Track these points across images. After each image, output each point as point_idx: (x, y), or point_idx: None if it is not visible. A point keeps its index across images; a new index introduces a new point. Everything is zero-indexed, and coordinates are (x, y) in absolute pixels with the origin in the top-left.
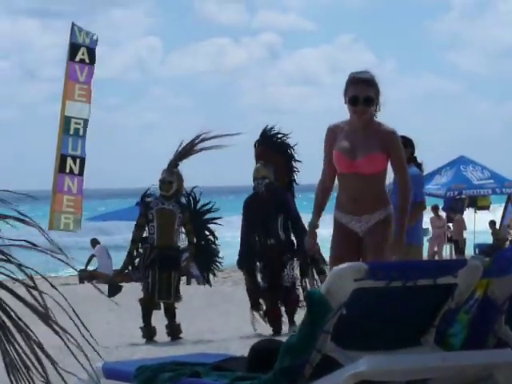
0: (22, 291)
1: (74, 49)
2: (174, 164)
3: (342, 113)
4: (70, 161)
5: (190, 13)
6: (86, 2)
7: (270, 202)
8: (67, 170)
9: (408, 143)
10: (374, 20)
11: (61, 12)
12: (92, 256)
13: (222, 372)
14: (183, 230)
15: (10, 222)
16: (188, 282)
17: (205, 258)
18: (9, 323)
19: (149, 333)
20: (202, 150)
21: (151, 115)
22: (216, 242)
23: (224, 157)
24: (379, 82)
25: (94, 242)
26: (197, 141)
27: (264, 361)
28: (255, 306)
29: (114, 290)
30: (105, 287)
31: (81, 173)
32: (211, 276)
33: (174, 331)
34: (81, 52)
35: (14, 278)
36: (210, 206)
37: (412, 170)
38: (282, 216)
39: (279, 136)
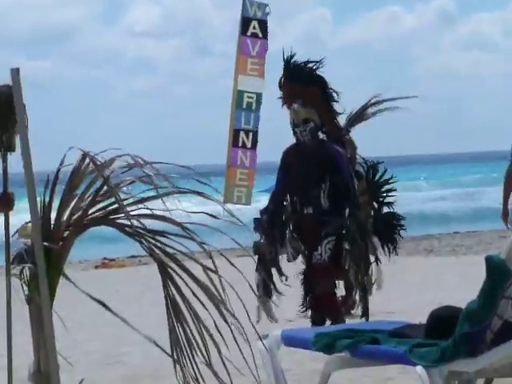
0: (198, 272)
1: (245, 23)
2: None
3: None
4: (242, 135)
5: None
6: None
7: (315, 156)
8: (240, 144)
9: None
10: None
11: None
12: None
13: (401, 339)
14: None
15: (189, 197)
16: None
17: (386, 230)
18: (180, 300)
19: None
20: (374, 114)
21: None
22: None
23: (393, 126)
24: None
25: None
26: (369, 104)
27: (443, 327)
28: (265, 292)
29: None
30: None
31: (253, 146)
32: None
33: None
34: (252, 25)
35: (192, 258)
36: (389, 176)
37: None
38: (328, 177)
39: (310, 66)
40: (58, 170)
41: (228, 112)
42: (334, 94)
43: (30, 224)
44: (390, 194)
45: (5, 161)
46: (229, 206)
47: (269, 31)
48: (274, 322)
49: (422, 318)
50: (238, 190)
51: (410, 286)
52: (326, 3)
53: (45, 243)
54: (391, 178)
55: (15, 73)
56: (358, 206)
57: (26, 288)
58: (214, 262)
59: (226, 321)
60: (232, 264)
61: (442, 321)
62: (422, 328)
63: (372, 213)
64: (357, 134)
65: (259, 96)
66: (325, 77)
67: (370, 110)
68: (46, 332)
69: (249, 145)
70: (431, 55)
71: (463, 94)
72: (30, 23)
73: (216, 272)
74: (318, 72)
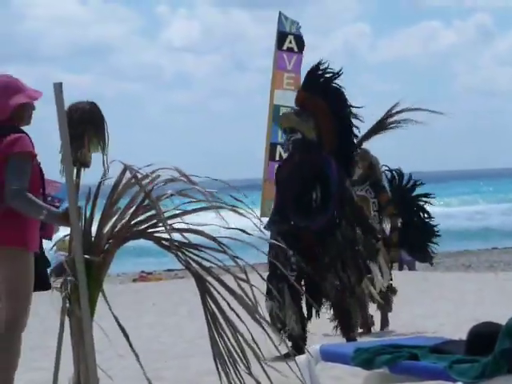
0: (232, 283)
1: (281, 37)
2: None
3: None
4: (279, 149)
5: None
6: None
7: (303, 167)
8: (277, 158)
9: None
10: None
11: (270, 2)
12: None
13: (441, 355)
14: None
15: (225, 212)
16: (400, 268)
17: (419, 238)
18: (218, 313)
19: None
20: (393, 125)
21: (360, 101)
22: (431, 219)
23: (434, 141)
24: None
25: None
26: (389, 115)
27: (483, 344)
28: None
29: None
30: None
31: None
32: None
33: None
34: (288, 40)
35: (226, 270)
36: (414, 180)
37: None
38: (318, 189)
39: (326, 75)
40: (100, 184)
41: (265, 126)
42: (352, 109)
43: (67, 238)
44: (421, 199)
45: (78, 176)
46: (265, 219)
47: (306, 45)
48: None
49: (460, 334)
50: None
51: (448, 302)
52: (365, 18)
53: (86, 256)
54: (417, 181)
55: (58, 87)
56: (348, 220)
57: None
58: (246, 276)
59: (264, 329)
60: (263, 278)
61: (482, 337)
62: (462, 344)
63: (406, 220)
64: (395, 147)
65: None
66: (344, 89)
67: (389, 121)
68: (86, 345)
69: None
70: (470, 71)
71: (504, 109)
72: (71, 38)
73: (248, 282)
74: (335, 83)
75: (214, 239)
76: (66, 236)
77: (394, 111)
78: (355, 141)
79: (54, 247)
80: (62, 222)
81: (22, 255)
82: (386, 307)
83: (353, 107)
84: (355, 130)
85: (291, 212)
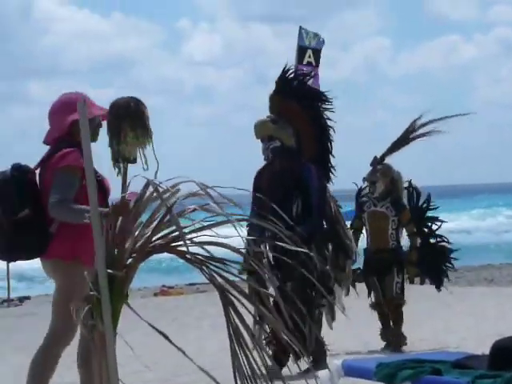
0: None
1: (301, 52)
2: (377, 160)
3: None
4: None
5: (420, 11)
6: (316, 5)
7: (283, 175)
8: None
9: None
10: None
11: (291, 17)
12: None
13: (464, 370)
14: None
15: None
16: (421, 282)
17: (433, 259)
18: (241, 327)
19: (386, 336)
20: (415, 138)
21: (381, 115)
22: (445, 239)
23: (459, 154)
24: None
25: None
26: (410, 129)
27: (506, 358)
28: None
29: None
30: None
31: None
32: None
33: (396, 338)
34: (308, 54)
35: (252, 286)
36: (427, 201)
37: None
38: (299, 198)
39: (300, 78)
40: (123, 198)
41: None
42: (328, 112)
43: None
44: (433, 222)
45: (124, 172)
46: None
47: (327, 59)
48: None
49: (483, 349)
50: None
51: (471, 317)
52: (385, 32)
53: (108, 270)
54: (430, 201)
55: (82, 104)
56: (323, 234)
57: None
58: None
59: (288, 344)
60: (286, 292)
61: (505, 352)
62: (485, 359)
63: (421, 240)
64: (418, 162)
65: None
66: (321, 92)
67: (412, 135)
68: (109, 359)
69: None
70: (492, 84)
71: None
72: (92, 52)
73: (271, 295)
74: (311, 86)
75: (238, 252)
76: None
77: (417, 125)
78: (333, 145)
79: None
80: (109, 219)
81: (75, 268)
82: (397, 325)
83: (326, 110)
84: (332, 134)
85: (270, 222)
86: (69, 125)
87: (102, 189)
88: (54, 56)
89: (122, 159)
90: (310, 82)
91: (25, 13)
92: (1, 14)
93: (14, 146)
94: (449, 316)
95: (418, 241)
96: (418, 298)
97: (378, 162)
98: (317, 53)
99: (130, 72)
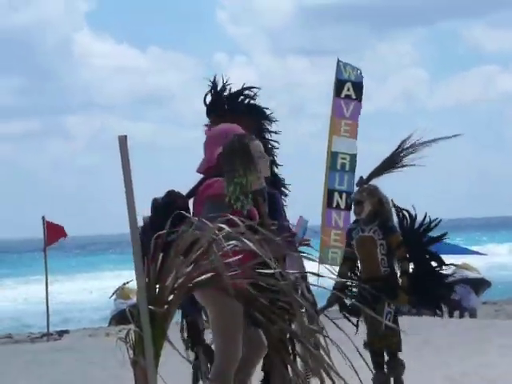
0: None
1: (339, 85)
2: (364, 180)
3: None
4: (336, 196)
5: (457, 42)
6: (352, 38)
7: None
8: (334, 205)
9: None
10: None
11: (327, 50)
12: None
13: None
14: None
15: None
16: (461, 316)
17: (430, 288)
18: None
19: (379, 381)
20: (406, 163)
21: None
22: (443, 266)
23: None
24: None
25: None
26: (398, 150)
27: None
28: None
29: None
30: None
31: (347, 207)
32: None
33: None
34: (346, 87)
35: (298, 321)
36: (428, 221)
37: None
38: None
39: (246, 93)
40: (166, 235)
41: (322, 173)
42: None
43: (127, 285)
44: (434, 242)
45: (256, 205)
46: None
47: (363, 91)
48: None
49: None
50: (333, 251)
51: (511, 351)
52: (421, 63)
53: (150, 307)
54: (432, 224)
55: (123, 140)
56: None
57: (131, 351)
58: (318, 323)
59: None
60: (336, 324)
61: None
62: None
63: (412, 269)
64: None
65: (353, 157)
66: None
67: (400, 157)
68: None
69: (342, 206)
70: None
71: None
72: (129, 87)
73: (321, 332)
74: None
75: (285, 285)
76: (125, 284)
77: (407, 145)
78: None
79: (114, 295)
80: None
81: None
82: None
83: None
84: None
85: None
86: (217, 156)
87: (249, 218)
88: (91, 91)
89: (250, 193)
90: (348, 114)
91: (63, 48)
92: (40, 50)
93: (51, 180)
94: (489, 350)
95: (411, 266)
96: (457, 332)
97: (363, 183)
98: (357, 86)
99: (168, 106)
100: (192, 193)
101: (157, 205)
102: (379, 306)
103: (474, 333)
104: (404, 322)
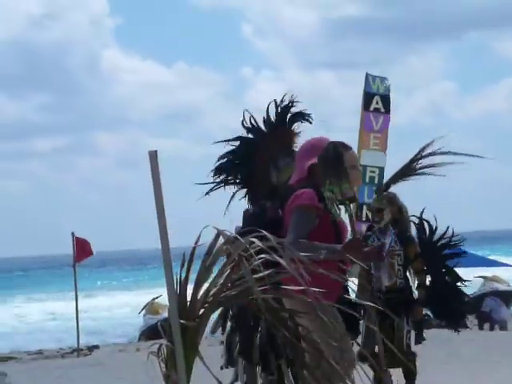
0: None
1: (368, 98)
2: (383, 187)
3: None
4: (366, 209)
5: (485, 54)
6: (379, 51)
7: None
8: (364, 219)
9: None
10: None
11: (355, 63)
12: None
13: None
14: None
15: None
16: (491, 329)
17: (448, 303)
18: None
19: None
20: (421, 168)
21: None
22: (460, 282)
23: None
24: None
25: None
26: (418, 157)
27: None
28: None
29: None
30: None
31: None
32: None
33: None
34: (375, 101)
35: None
36: (449, 236)
37: None
38: None
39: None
40: (194, 249)
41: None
42: None
43: (156, 301)
44: (451, 257)
45: (347, 210)
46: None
47: (392, 104)
48: None
49: None
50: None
51: None
52: (450, 76)
53: (181, 321)
54: (452, 239)
55: (153, 155)
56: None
57: (163, 365)
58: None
59: None
60: (358, 344)
61: None
62: None
63: (433, 280)
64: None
65: (381, 170)
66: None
67: (419, 165)
68: None
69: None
70: None
71: None
72: (157, 103)
73: (346, 351)
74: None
75: (313, 302)
76: (154, 299)
77: (425, 152)
78: None
79: (143, 311)
80: (343, 254)
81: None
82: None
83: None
84: None
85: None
86: (307, 168)
87: (337, 230)
88: (119, 108)
89: (344, 201)
90: (378, 127)
91: (91, 65)
92: (68, 68)
93: (83, 197)
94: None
95: (428, 279)
96: (487, 345)
97: (382, 190)
98: (385, 99)
99: (195, 121)
100: (283, 203)
101: (248, 215)
102: (399, 322)
103: (503, 345)
104: (432, 334)
